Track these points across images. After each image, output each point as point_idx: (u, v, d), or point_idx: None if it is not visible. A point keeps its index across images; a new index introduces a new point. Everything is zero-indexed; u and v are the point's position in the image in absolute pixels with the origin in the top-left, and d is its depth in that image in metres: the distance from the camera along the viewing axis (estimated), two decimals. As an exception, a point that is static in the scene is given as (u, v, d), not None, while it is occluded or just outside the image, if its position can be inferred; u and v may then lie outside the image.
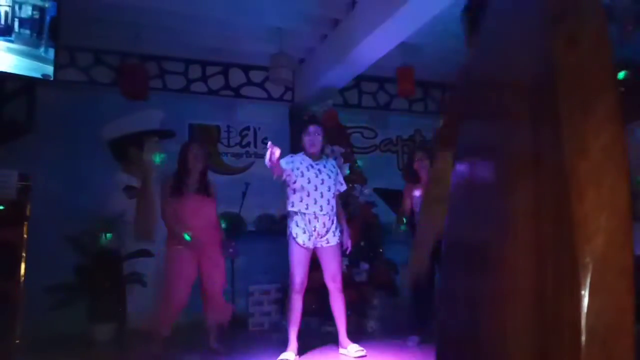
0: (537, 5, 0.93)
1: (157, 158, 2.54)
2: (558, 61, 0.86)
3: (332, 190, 2.22)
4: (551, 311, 0.84)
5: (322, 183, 2.20)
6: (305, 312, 2.25)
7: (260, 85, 3.38)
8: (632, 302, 0.80)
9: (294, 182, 2.16)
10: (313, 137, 2.23)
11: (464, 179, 1.18)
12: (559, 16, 0.88)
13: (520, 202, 0.94)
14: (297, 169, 2.18)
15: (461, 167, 1.22)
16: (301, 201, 2.16)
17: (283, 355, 2.10)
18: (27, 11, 2.01)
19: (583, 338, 0.77)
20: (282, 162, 2.10)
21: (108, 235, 2.58)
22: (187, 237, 2.15)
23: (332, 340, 2.41)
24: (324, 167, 2.24)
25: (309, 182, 2.17)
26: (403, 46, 2.57)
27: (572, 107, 0.85)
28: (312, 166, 2.21)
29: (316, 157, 2.24)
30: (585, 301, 0.78)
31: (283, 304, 2.73)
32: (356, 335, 2.35)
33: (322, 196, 2.18)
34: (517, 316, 0.92)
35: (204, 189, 2.29)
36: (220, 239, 2.34)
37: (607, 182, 0.83)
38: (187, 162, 2.28)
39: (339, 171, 2.32)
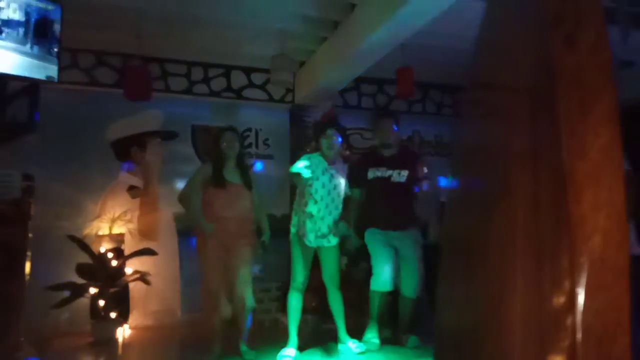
0: (536, 6, 0.94)
1: None
2: (557, 62, 0.87)
3: (342, 194, 2.26)
4: (549, 310, 0.85)
5: (335, 188, 2.23)
6: (305, 310, 2.26)
7: (262, 87, 3.39)
8: (628, 302, 0.81)
9: (309, 186, 2.17)
10: (332, 140, 2.24)
11: (462, 179, 1.19)
12: (558, 17, 0.89)
13: (519, 202, 0.94)
14: (314, 172, 2.18)
15: (460, 168, 1.22)
16: (315, 204, 2.18)
17: (284, 352, 2.11)
18: (8, 13, 2.01)
19: (580, 336, 0.78)
20: (302, 163, 2.14)
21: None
22: (209, 229, 2.08)
23: (331, 337, 2.42)
24: (337, 171, 2.26)
25: (323, 187, 2.20)
26: (402, 47, 2.58)
27: (570, 108, 0.86)
28: (327, 170, 2.23)
29: (332, 160, 2.25)
30: (583, 301, 0.79)
31: (283, 301, 2.73)
32: (356, 334, 2.35)
33: (333, 201, 2.22)
34: (516, 315, 0.93)
35: (243, 178, 2.20)
36: (252, 231, 2.24)
37: (605, 182, 0.84)
38: (220, 151, 2.21)
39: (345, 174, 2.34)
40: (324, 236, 2.19)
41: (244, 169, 2.26)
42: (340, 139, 2.26)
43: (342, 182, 2.26)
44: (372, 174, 2.35)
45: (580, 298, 0.80)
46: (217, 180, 2.17)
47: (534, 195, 0.92)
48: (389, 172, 2.33)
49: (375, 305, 2.31)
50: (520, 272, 0.92)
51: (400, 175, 2.32)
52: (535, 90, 0.94)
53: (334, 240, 2.22)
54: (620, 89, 0.87)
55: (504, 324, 0.94)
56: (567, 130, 0.88)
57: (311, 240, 2.16)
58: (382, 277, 2.26)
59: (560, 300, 0.82)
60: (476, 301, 1.03)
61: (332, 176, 2.22)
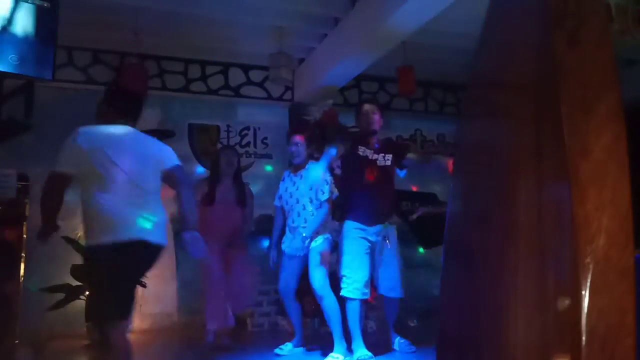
0: (539, 5, 0.93)
1: None
2: (559, 61, 0.86)
3: (309, 206, 2.20)
4: (552, 311, 0.84)
5: (297, 202, 2.24)
6: (304, 314, 2.25)
7: (260, 84, 3.36)
8: (633, 303, 0.80)
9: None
10: (295, 147, 2.25)
11: (465, 179, 1.18)
12: (561, 16, 0.88)
13: (521, 202, 0.94)
14: (282, 195, 2.31)
15: (462, 168, 1.21)
16: (288, 218, 2.29)
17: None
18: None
19: (584, 338, 0.77)
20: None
21: None
22: None
23: (331, 340, 2.41)
24: (301, 178, 2.22)
25: (287, 204, 2.27)
26: (404, 45, 2.56)
27: (573, 107, 0.85)
28: (291, 185, 2.26)
29: (299, 167, 2.26)
30: (586, 302, 0.78)
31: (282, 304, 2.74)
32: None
33: (299, 215, 2.23)
34: (519, 317, 0.92)
35: (236, 195, 2.36)
36: (245, 245, 2.41)
37: (609, 182, 0.83)
38: (219, 169, 2.36)
39: (323, 176, 2.19)
40: (297, 248, 2.17)
41: (238, 186, 2.40)
42: (304, 147, 2.26)
43: (312, 189, 2.19)
44: (361, 152, 2.20)
45: (584, 299, 0.79)
46: (211, 200, 2.32)
47: (537, 195, 0.91)
48: (375, 156, 2.19)
49: (357, 316, 2.08)
50: (523, 273, 0.91)
51: (385, 159, 2.21)
52: (538, 88, 0.93)
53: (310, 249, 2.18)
54: (625, 88, 0.87)
55: (507, 326, 0.94)
56: (570, 129, 0.87)
57: (286, 248, 2.24)
58: (362, 284, 2.08)
59: (563, 301, 0.81)
60: (479, 303, 1.02)
61: (295, 190, 2.25)
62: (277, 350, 2.26)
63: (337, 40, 2.75)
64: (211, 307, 2.25)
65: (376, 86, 3.66)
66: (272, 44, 2.79)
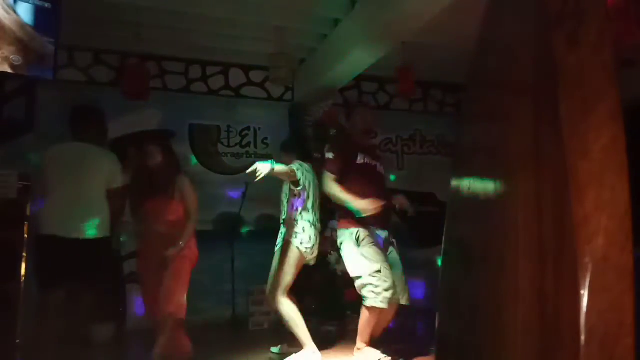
0: (537, 5, 0.93)
1: None
2: (559, 61, 0.86)
3: (285, 201, 2.27)
4: (551, 311, 0.84)
5: (281, 205, 2.32)
6: (305, 312, 2.25)
7: (261, 85, 3.38)
8: (632, 302, 0.80)
9: None
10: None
11: (465, 179, 1.18)
12: (560, 16, 0.88)
13: (521, 203, 0.94)
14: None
15: (462, 168, 1.22)
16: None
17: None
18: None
19: (583, 338, 0.77)
20: None
21: None
22: None
23: (332, 339, 2.42)
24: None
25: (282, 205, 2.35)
26: (403, 46, 2.57)
27: (572, 107, 0.85)
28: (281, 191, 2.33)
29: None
30: (585, 301, 0.78)
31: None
32: (355, 335, 2.35)
33: (281, 218, 2.29)
34: (518, 316, 0.92)
35: (165, 190, 2.06)
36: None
37: (608, 182, 0.83)
38: (144, 164, 2.15)
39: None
40: None
41: (168, 179, 2.10)
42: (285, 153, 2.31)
43: (286, 192, 2.28)
44: (360, 158, 2.07)
45: (583, 299, 0.79)
46: (140, 196, 2.09)
47: (536, 195, 0.91)
48: (374, 162, 2.11)
49: (373, 322, 1.96)
50: (521, 273, 0.92)
51: (380, 165, 2.14)
52: (537, 89, 0.93)
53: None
54: (625, 88, 0.87)
55: (506, 327, 0.94)
56: (569, 129, 0.87)
57: None
58: (391, 292, 1.92)
59: (562, 301, 0.81)
60: (477, 303, 1.03)
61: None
62: (275, 350, 2.26)
63: (337, 40, 2.76)
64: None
65: (376, 86, 3.67)
66: (272, 44, 2.80)
